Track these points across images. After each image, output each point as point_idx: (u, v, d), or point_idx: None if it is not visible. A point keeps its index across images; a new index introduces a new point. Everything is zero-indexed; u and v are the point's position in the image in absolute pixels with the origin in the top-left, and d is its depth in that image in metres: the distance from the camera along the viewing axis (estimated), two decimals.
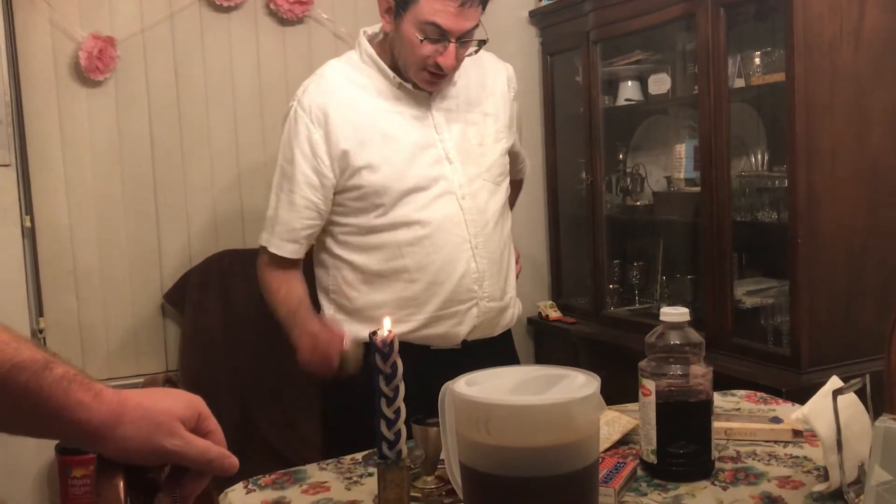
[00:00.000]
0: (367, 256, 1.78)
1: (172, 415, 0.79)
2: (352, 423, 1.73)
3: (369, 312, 1.78)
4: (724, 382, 1.70)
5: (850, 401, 1.18)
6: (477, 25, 1.70)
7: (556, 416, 0.95)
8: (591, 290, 3.16)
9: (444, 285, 1.75)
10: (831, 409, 1.13)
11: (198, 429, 0.81)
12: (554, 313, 3.25)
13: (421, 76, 1.73)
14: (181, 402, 0.81)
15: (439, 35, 1.67)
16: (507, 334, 1.94)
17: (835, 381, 1.21)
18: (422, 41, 1.67)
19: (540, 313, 3.29)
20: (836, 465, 1.14)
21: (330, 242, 1.83)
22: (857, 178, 2.33)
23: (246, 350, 2.79)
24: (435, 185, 1.76)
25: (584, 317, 3.18)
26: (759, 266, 2.73)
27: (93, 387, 0.77)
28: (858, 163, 2.33)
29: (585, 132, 3.08)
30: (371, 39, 1.82)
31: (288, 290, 1.80)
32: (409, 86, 1.77)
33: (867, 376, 1.21)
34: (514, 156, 1.99)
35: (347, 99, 1.77)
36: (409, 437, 1.21)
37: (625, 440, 1.42)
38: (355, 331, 1.80)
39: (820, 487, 1.19)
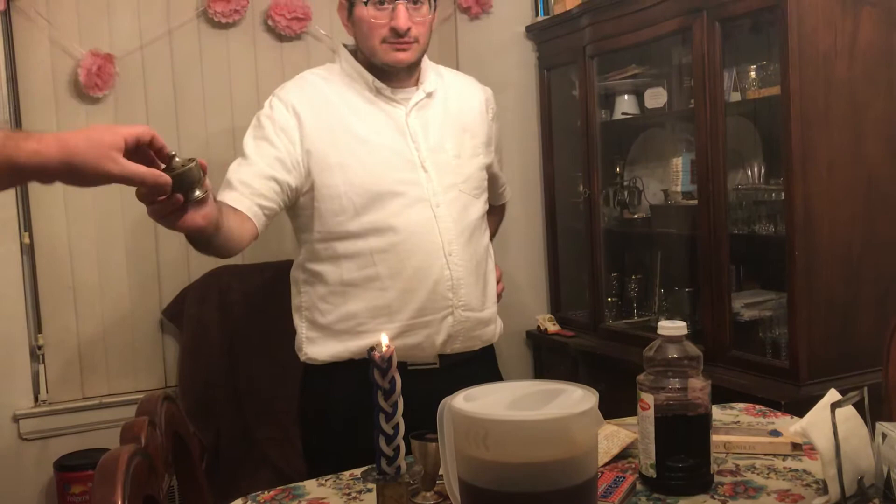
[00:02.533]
0: (339, 266, 1.76)
1: (112, 146, 1.11)
2: (328, 445, 1.74)
3: (341, 325, 1.77)
4: (722, 395, 1.70)
5: (848, 414, 1.18)
6: None
7: (555, 431, 0.95)
8: (590, 303, 3.16)
9: (417, 292, 1.74)
10: (830, 421, 1.13)
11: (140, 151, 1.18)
12: (552, 326, 3.25)
13: (386, 51, 1.75)
14: (115, 136, 1.13)
15: None
16: (489, 352, 1.90)
17: (833, 394, 1.21)
18: (366, 4, 1.71)
19: (538, 327, 3.29)
20: (835, 478, 1.14)
21: (302, 257, 1.83)
22: (854, 190, 2.34)
23: (245, 365, 2.79)
24: (408, 192, 1.75)
25: (582, 330, 3.18)
26: (756, 278, 2.74)
27: (33, 135, 1.04)
28: (854, 175, 2.34)
29: (583, 146, 3.09)
30: (353, 53, 1.85)
31: None
32: (388, 91, 1.79)
33: (865, 389, 1.21)
34: (493, 178, 1.98)
35: (324, 100, 1.79)
36: (408, 452, 1.21)
37: (624, 454, 1.42)
38: (328, 347, 1.79)
39: (819, 501, 1.19)
